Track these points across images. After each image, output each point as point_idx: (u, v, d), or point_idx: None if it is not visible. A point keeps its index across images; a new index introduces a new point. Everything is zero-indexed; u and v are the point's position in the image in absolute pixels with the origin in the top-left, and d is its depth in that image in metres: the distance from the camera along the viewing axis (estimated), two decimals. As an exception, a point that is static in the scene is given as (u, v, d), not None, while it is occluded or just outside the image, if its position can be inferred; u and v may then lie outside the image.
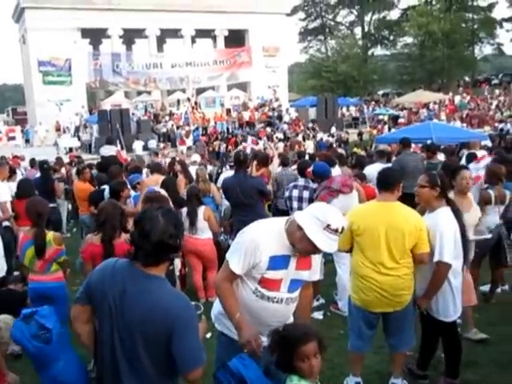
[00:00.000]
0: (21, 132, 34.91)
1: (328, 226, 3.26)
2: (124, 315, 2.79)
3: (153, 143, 29.08)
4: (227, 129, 34.23)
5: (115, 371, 2.84)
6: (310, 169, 7.00)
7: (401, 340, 4.75)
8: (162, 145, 29.53)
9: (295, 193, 7.28)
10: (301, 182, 7.41)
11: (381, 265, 4.56)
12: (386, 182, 4.73)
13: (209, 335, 6.22)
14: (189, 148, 27.55)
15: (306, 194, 7.17)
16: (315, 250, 3.34)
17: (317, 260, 3.67)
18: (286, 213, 7.02)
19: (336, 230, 3.28)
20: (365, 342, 4.84)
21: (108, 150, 11.13)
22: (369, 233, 4.59)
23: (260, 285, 3.53)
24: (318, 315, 6.81)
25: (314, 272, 3.69)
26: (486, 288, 7.25)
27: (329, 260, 7.07)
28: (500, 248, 6.75)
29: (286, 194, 7.50)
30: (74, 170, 13.02)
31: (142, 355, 2.79)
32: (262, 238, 3.45)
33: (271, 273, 3.48)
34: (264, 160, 7.88)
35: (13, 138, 33.51)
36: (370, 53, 61.21)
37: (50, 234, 5.69)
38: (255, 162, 7.74)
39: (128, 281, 2.84)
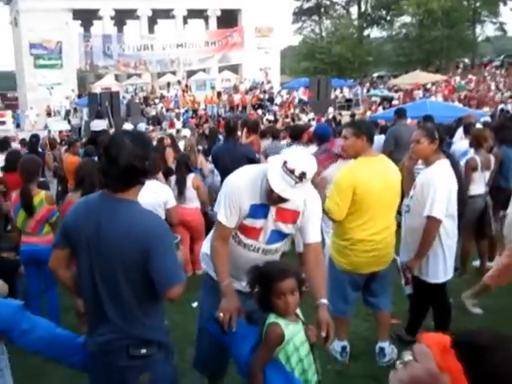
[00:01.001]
0: (12, 117, 34.70)
1: (285, 163, 3.09)
2: (100, 245, 2.75)
3: (142, 126, 28.75)
4: (217, 112, 34.09)
5: (98, 306, 2.82)
6: (312, 129, 6.88)
7: (384, 299, 4.74)
8: (151, 127, 29.34)
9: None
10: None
11: (379, 224, 4.48)
12: (372, 133, 4.68)
13: (195, 304, 6.22)
14: (178, 131, 27.42)
15: None
16: (276, 195, 3.18)
17: (310, 218, 3.43)
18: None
19: (292, 172, 3.06)
20: (350, 306, 4.80)
21: (98, 124, 10.93)
22: (369, 193, 4.41)
23: (239, 230, 3.49)
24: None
25: (307, 230, 3.45)
26: (477, 263, 7.16)
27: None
28: (485, 218, 6.69)
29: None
30: (63, 149, 12.94)
31: (122, 284, 2.76)
32: (242, 185, 3.37)
33: (250, 220, 3.42)
34: (254, 127, 7.77)
35: (2, 123, 33.27)
36: (365, 33, 60.57)
37: (42, 193, 5.68)
38: (245, 130, 7.64)
39: (101, 210, 2.80)
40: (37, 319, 3.35)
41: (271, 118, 29.12)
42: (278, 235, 3.49)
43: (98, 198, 2.90)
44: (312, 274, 3.37)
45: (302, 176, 3.08)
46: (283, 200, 3.23)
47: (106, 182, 2.87)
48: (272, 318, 3.06)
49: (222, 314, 3.21)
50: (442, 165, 4.64)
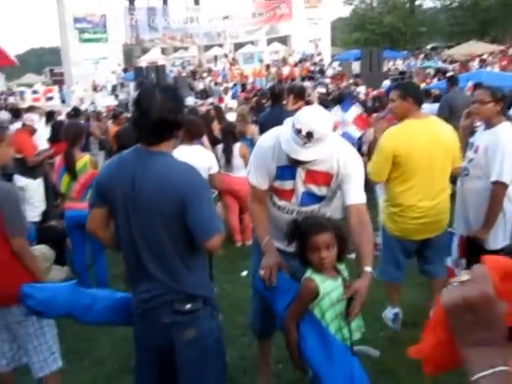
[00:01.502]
0: (58, 92, 35.31)
1: (293, 123, 3.08)
2: (136, 200, 2.77)
3: (190, 100, 28.98)
4: (266, 85, 33.88)
5: (140, 263, 2.85)
6: (383, 89, 6.96)
7: (439, 266, 4.70)
8: (199, 102, 29.45)
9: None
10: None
11: (429, 189, 4.43)
12: (419, 94, 4.59)
13: (244, 273, 6.32)
14: (227, 105, 27.45)
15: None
16: (292, 158, 3.17)
17: (347, 179, 3.32)
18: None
19: (299, 131, 3.02)
20: (401, 272, 4.81)
21: None
22: (414, 157, 4.38)
23: (272, 192, 3.52)
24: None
25: (346, 191, 3.35)
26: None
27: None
28: None
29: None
30: (109, 122, 13.12)
31: (162, 238, 2.78)
32: (267, 146, 3.39)
33: (279, 182, 3.44)
34: (301, 93, 7.64)
35: (50, 99, 33.90)
36: (417, 3, 59.13)
37: (87, 157, 5.85)
38: (292, 96, 7.54)
39: (134, 165, 2.81)
40: (94, 292, 3.49)
41: (323, 90, 28.88)
42: (312, 197, 3.45)
43: (131, 153, 2.91)
44: (356, 240, 3.26)
45: (309, 135, 3.01)
46: (303, 162, 3.19)
47: (139, 136, 2.89)
48: (308, 273, 3.10)
49: (262, 272, 3.26)
50: (507, 127, 4.48)
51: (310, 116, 3.11)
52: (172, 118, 2.78)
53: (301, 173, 3.35)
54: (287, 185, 3.43)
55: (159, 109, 2.74)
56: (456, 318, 1.17)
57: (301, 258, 3.15)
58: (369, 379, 3.52)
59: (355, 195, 3.33)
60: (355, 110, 7.90)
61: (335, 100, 8.63)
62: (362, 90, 27.79)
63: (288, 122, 3.23)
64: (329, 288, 3.05)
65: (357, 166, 3.38)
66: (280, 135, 3.30)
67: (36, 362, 3.74)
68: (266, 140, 3.47)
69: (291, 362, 4.33)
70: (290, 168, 3.35)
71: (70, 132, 5.85)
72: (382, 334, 4.83)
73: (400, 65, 38.53)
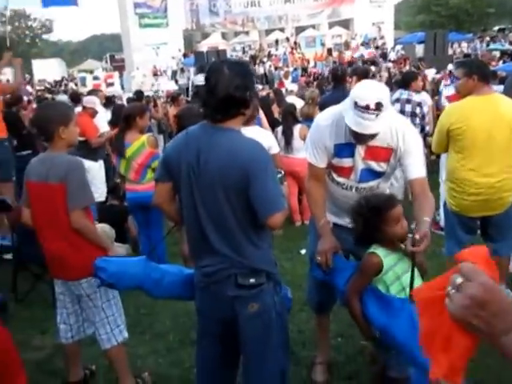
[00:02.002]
0: (119, 78, 35.99)
1: (355, 103, 3.12)
2: (201, 174, 2.81)
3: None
4: (326, 69, 33.70)
5: (204, 237, 2.89)
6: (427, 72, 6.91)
7: (503, 245, 4.66)
8: (260, 86, 29.53)
9: (396, 107, 7.05)
10: (404, 95, 7.21)
11: (484, 166, 4.43)
12: (484, 72, 4.59)
13: (303, 251, 6.44)
14: (287, 90, 27.44)
15: (408, 107, 7.00)
16: (355, 133, 3.23)
17: (407, 154, 3.35)
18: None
19: (366, 107, 3.08)
20: (463, 248, 4.77)
21: (202, 78, 11.00)
22: (471, 133, 4.42)
23: (331, 169, 3.58)
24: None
25: (407, 166, 3.38)
26: None
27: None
28: None
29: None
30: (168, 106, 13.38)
31: (226, 213, 2.82)
32: (325, 125, 3.46)
33: (337, 160, 3.50)
34: (363, 74, 7.61)
35: (111, 84, 34.56)
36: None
37: (144, 136, 5.95)
38: (355, 77, 7.53)
39: (201, 140, 2.84)
40: (164, 267, 3.65)
41: (385, 74, 28.51)
42: (371, 174, 3.51)
43: (198, 128, 2.95)
44: (417, 203, 3.30)
45: (379, 106, 3.08)
46: (373, 137, 3.26)
47: (205, 113, 2.92)
48: (371, 248, 3.16)
49: (319, 258, 3.37)
50: None
51: (371, 88, 3.19)
52: (238, 95, 2.76)
53: (360, 150, 3.40)
54: (346, 162, 3.49)
55: (225, 85, 2.74)
56: (475, 319, 1.18)
57: (364, 238, 3.21)
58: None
59: (416, 170, 3.37)
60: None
61: (398, 82, 8.53)
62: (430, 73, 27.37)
63: (346, 102, 3.27)
64: (392, 262, 3.12)
65: (415, 140, 3.43)
66: (337, 114, 3.38)
67: (103, 333, 3.90)
68: (323, 119, 3.53)
69: (350, 337, 4.50)
70: (348, 146, 3.41)
71: (128, 112, 6.00)
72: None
73: (465, 47, 37.62)
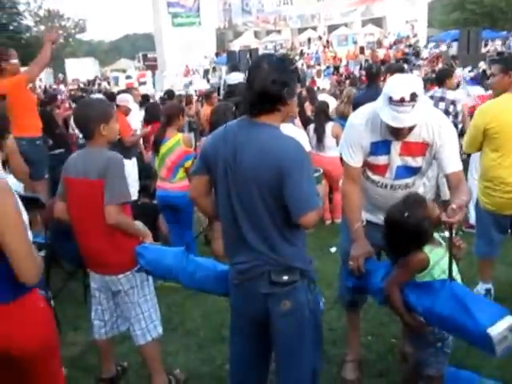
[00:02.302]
0: (151, 77, 36.31)
1: (390, 98, 3.12)
2: (237, 170, 2.81)
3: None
4: (360, 67, 33.53)
5: (238, 233, 2.89)
6: (460, 70, 6.84)
7: None
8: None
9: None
10: (437, 92, 7.14)
11: None
12: None
13: (333, 250, 6.44)
14: (318, 88, 27.41)
15: (441, 105, 6.93)
16: (393, 128, 3.23)
17: (443, 148, 3.36)
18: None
19: (401, 100, 3.09)
20: (494, 248, 4.82)
21: (235, 77, 11.03)
22: (507, 131, 4.40)
23: (366, 167, 3.58)
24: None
25: (442, 161, 3.39)
26: None
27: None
28: None
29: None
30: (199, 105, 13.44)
31: (260, 209, 2.80)
32: (359, 123, 3.45)
33: (372, 158, 3.50)
34: (399, 71, 7.57)
35: (143, 83, 34.89)
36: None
37: (180, 135, 6.01)
38: (389, 75, 7.47)
39: (238, 135, 2.84)
40: (199, 260, 3.70)
41: (418, 73, 28.28)
42: (406, 170, 3.50)
43: (236, 123, 2.95)
44: (452, 193, 3.35)
45: (414, 96, 3.09)
46: (411, 129, 3.26)
47: (244, 107, 2.94)
48: (427, 249, 3.10)
49: (351, 263, 3.37)
50: None
51: (403, 81, 3.20)
52: (274, 90, 2.73)
53: (396, 146, 3.40)
54: (381, 160, 3.49)
55: (262, 79, 2.74)
56: None
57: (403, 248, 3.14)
58: (461, 353, 3.56)
59: (452, 163, 3.38)
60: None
61: (431, 80, 8.44)
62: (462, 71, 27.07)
63: (380, 99, 3.27)
64: (437, 257, 3.09)
65: (451, 133, 3.42)
66: (371, 112, 3.37)
67: (138, 329, 3.94)
68: (358, 118, 3.52)
69: (381, 335, 4.50)
70: (384, 143, 3.41)
71: (167, 111, 6.07)
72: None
73: (499, 45, 37.08)
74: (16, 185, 5.07)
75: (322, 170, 3.20)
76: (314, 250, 6.65)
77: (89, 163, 3.64)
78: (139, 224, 5.54)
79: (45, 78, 38.54)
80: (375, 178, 3.58)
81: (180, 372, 4.24)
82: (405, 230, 3.04)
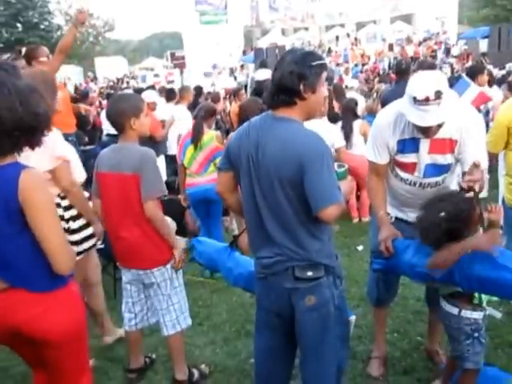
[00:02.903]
0: (179, 75, 36.50)
1: (414, 98, 3.11)
2: (260, 165, 2.83)
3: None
4: (389, 65, 33.30)
5: (263, 228, 2.92)
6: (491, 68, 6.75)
7: None
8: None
9: (460, 101, 6.91)
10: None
11: None
12: None
13: (360, 248, 6.46)
14: (347, 87, 27.28)
15: None
16: (419, 127, 3.24)
17: (468, 143, 3.34)
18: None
19: (426, 100, 3.07)
20: None
21: (263, 74, 11.03)
22: None
23: (395, 164, 3.59)
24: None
25: (465, 158, 3.35)
26: None
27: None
28: None
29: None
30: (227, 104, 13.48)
31: (283, 204, 2.82)
32: (386, 123, 3.45)
33: (400, 155, 3.50)
34: (430, 68, 7.53)
35: (171, 82, 35.09)
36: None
37: (213, 132, 6.23)
38: (420, 72, 7.41)
39: (260, 131, 2.87)
40: (239, 257, 3.90)
41: (447, 71, 28.01)
42: (435, 168, 3.50)
43: (259, 119, 2.98)
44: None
45: (438, 94, 3.07)
46: (440, 126, 3.24)
47: (267, 100, 3.01)
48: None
49: (381, 245, 3.45)
50: None
51: (426, 79, 3.19)
52: (289, 82, 2.77)
53: (425, 144, 3.39)
54: (410, 158, 3.49)
55: (281, 71, 2.79)
56: None
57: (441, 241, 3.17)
58: (488, 352, 3.59)
59: (475, 155, 3.30)
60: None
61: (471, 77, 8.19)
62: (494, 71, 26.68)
63: (405, 100, 3.25)
64: None
65: (477, 128, 3.42)
66: (398, 110, 3.35)
67: (168, 320, 4.03)
68: (385, 116, 3.53)
69: (406, 332, 4.53)
70: (412, 141, 3.41)
71: (204, 108, 6.18)
72: (500, 308, 4.79)
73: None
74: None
75: (347, 166, 3.19)
76: (341, 248, 6.70)
77: (122, 158, 3.72)
78: (168, 219, 5.68)
79: (74, 77, 38.98)
80: (404, 175, 3.59)
81: (205, 366, 4.32)
82: (445, 230, 3.07)
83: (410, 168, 3.53)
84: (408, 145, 3.44)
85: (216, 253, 4.05)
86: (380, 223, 3.58)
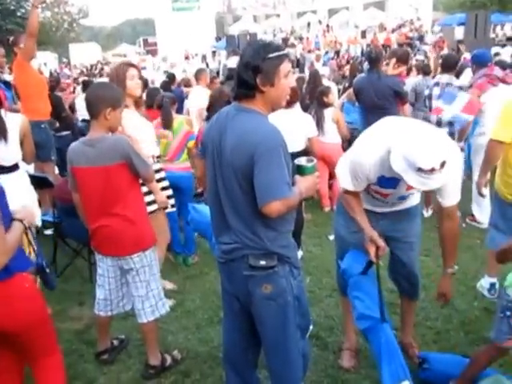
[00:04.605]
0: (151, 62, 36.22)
1: (419, 169, 2.96)
2: (221, 154, 2.87)
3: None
4: (362, 52, 33.35)
5: (222, 214, 2.97)
6: (468, 55, 6.82)
7: None
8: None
9: (435, 91, 6.94)
10: (443, 78, 6.96)
11: None
12: None
13: (331, 237, 6.46)
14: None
15: (448, 89, 6.76)
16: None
17: (447, 183, 3.26)
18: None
19: (432, 170, 2.94)
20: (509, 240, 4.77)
21: (235, 61, 11.09)
22: None
23: (368, 188, 3.57)
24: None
25: (443, 194, 3.39)
26: None
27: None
28: None
29: (426, 92, 7.22)
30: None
31: (238, 193, 2.86)
32: (371, 163, 3.30)
33: (378, 187, 3.50)
34: (403, 57, 7.44)
35: (144, 68, 34.77)
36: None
37: (182, 117, 6.34)
38: (394, 60, 7.41)
39: (225, 121, 2.90)
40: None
41: (421, 57, 28.10)
42: (408, 195, 3.61)
43: (227, 109, 2.99)
44: (443, 244, 3.58)
45: (444, 163, 2.97)
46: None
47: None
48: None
49: (370, 245, 3.51)
50: None
51: (432, 150, 2.99)
52: (245, 75, 2.78)
53: (404, 183, 3.27)
54: (387, 190, 3.52)
55: (240, 63, 2.84)
56: None
57: None
58: (463, 348, 3.66)
59: (452, 198, 3.40)
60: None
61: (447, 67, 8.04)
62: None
63: (400, 160, 3.08)
64: None
65: (457, 168, 3.34)
66: (382, 151, 3.22)
67: (148, 306, 4.06)
68: (367, 156, 3.32)
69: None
70: (393, 179, 3.33)
71: (167, 97, 6.19)
72: (475, 304, 4.92)
73: (509, 30, 36.59)
74: (27, 165, 5.30)
75: (315, 161, 3.18)
76: (312, 237, 6.77)
77: (101, 151, 3.73)
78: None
79: (50, 63, 38.60)
80: (376, 195, 3.61)
81: (177, 352, 4.36)
82: None
83: (384, 195, 3.57)
84: (388, 181, 3.40)
85: (205, 217, 4.09)
86: (363, 226, 3.55)
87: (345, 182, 3.53)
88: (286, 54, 2.85)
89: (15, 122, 4.63)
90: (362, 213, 3.60)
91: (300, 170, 3.03)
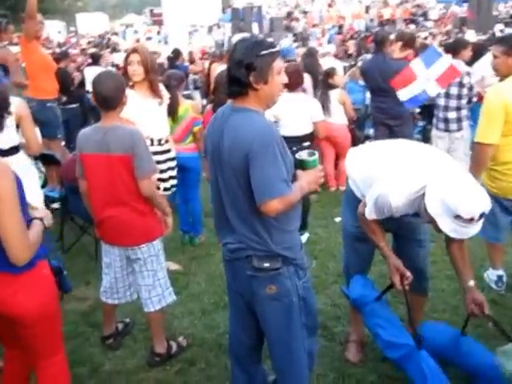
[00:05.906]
0: (157, 33, 35.87)
1: (457, 216, 2.84)
2: (221, 154, 2.80)
3: (286, 41, 28.54)
4: (366, 27, 32.89)
5: (225, 214, 2.90)
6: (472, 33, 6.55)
7: None
8: (295, 44, 29.00)
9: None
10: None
11: None
12: None
13: (338, 219, 6.35)
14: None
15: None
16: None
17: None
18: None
19: (470, 220, 2.84)
20: (502, 232, 4.67)
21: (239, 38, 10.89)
22: None
23: None
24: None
25: None
26: None
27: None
28: None
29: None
30: (206, 64, 13.21)
31: (238, 193, 2.79)
32: (398, 204, 3.15)
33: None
34: (410, 41, 7.28)
35: (149, 38, 34.48)
36: None
37: (188, 102, 6.10)
38: (400, 43, 7.24)
39: (223, 121, 2.83)
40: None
41: (426, 35, 27.70)
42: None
43: (223, 108, 2.92)
44: (456, 265, 3.43)
45: (482, 216, 2.87)
46: None
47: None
48: None
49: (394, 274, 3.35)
50: None
51: (475, 200, 2.88)
52: (238, 73, 2.70)
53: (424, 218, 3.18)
54: (408, 218, 3.39)
55: (232, 61, 2.73)
56: None
57: None
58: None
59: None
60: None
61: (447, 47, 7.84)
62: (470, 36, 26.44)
63: (436, 205, 2.95)
64: None
65: None
66: (410, 195, 3.12)
67: (154, 295, 3.99)
68: (397, 201, 3.15)
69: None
70: (414, 214, 3.26)
71: (174, 79, 5.96)
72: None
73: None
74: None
75: (317, 154, 3.04)
76: (319, 219, 6.63)
77: (111, 140, 3.63)
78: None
79: (57, 32, 38.24)
80: None
81: (183, 339, 4.28)
82: None
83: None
84: (411, 216, 3.32)
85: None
86: (384, 253, 3.43)
87: (369, 213, 3.34)
88: (278, 51, 2.79)
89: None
90: (384, 238, 3.46)
91: (302, 165, 2.94)
